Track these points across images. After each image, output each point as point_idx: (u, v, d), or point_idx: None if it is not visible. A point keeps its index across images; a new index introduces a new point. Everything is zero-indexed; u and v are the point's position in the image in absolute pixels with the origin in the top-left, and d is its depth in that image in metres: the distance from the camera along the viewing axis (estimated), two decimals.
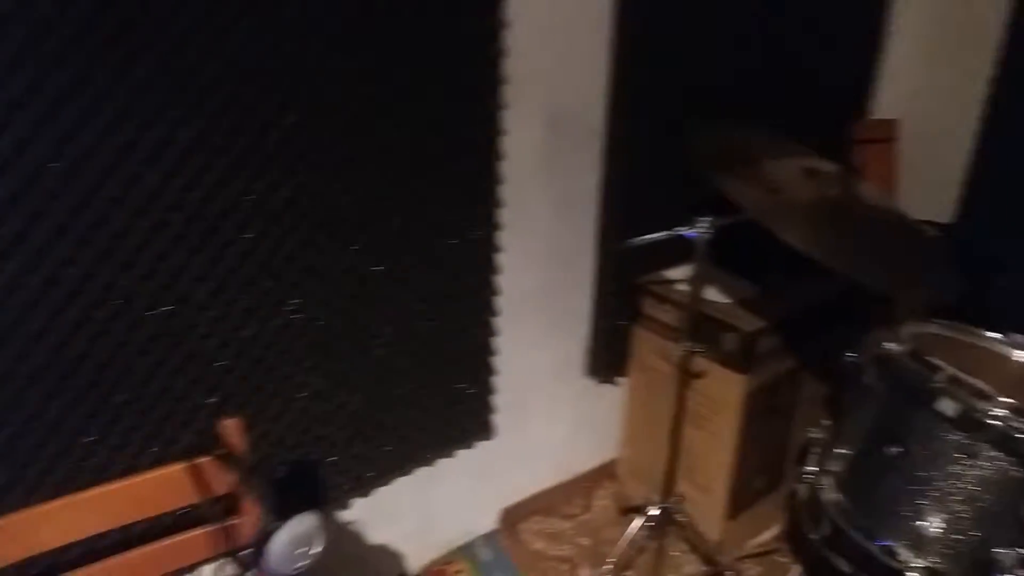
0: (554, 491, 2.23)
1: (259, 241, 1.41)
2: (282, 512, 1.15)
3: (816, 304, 2.01)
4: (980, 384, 1.19)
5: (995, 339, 1.44)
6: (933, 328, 1.41)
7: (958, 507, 1.18)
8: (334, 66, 1.40)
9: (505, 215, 1.79)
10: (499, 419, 1.98)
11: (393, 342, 1.68)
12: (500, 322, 1.88)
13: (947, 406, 1.17)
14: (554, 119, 1.83)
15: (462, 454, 1.96)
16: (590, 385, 2.19)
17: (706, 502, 2.05)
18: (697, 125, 1.63)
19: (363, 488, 1.78)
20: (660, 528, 1.91)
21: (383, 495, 1.82)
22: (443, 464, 1.93)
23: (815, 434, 1.60)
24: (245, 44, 1.29)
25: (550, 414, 2.14)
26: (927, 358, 1.23)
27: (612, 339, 2.12)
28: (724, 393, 1.94)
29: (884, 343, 1.30)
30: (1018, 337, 1.43)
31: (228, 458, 1.26)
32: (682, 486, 2.10)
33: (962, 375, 1.20)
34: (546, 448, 2.17)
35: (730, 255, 1.90)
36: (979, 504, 1.17)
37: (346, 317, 1.58)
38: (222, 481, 1.28)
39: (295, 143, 1.39)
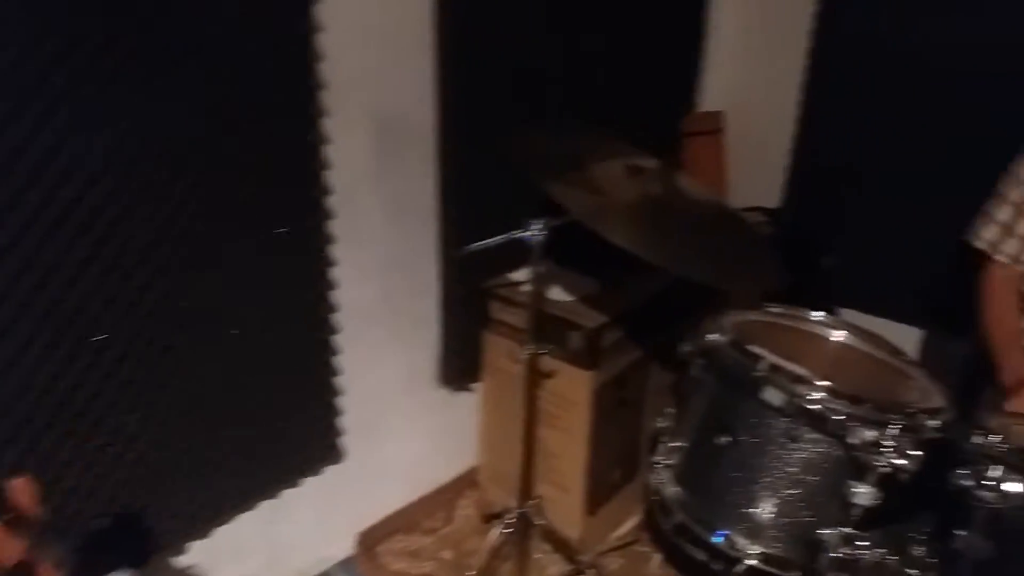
0: (414, 507, 2.16)
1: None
2: (96, 572, 1.04)
3: (658, 294, 2.05)
4: (799, 369, 1.23)
5: (814, 321, 1.49)
6: (754, 315, 1.45)
7: (787, 491, 1.21)
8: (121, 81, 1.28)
9: (336, 227, 1.71)
10: (348, 440, 1.90)
11: (221, 374, 1.56)
12: (341, 340, 1.80)
13: (769, 394, 1.20)
14: (382, 124, 1.76)
15: (310, 481, 1.86)
16: (445, 394, 2.14)
17: (565, 501, 2.05)
18: (522, 128, 1.60)
19: (200, 530, 1.65)
20: (521, 532, 1.90)
21: (224, 534, 1.70)
22: (290, 494, 1.82)
23: (662, 423, 1.62)
24: None
25: (404, 428, 2.07)
26: (748, 348, 1.26)
27: (463, 346, 2.08)
28: (573, 391, 1.94)
29: (708, 334, 1.32)
30: (834, 318, 1.49)
31: (18, 522, 1.11)
32: (541, 487, 2.08)
33: (782, 362, 1.24)
34: (402, 464, 2.10)
35: (572, 252, 1.91)
36: (806, 487, 1.20)
37: (164, 351, 1.46)
38: (12, 549, 1.13)
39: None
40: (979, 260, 1.81)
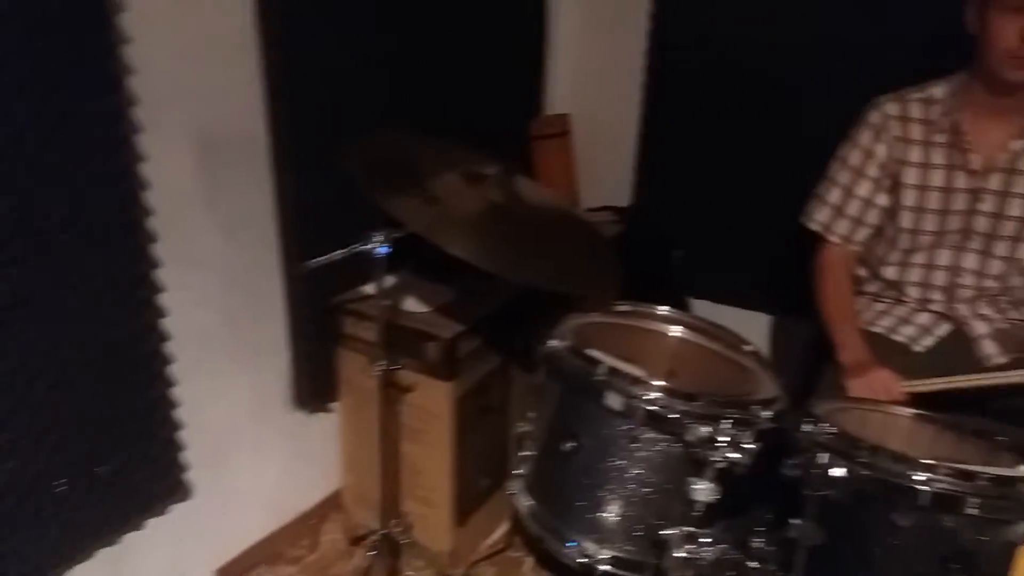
0: (276, 536, 2.06)
1: None
2: None
3: (514, 298, 2.03)
4: (636, 371, 1.23)
5: (655, 318, 1.51)
6: (596, 317, 1.45)
7: (632, 493, 1.22)
8: None
9: (162, 250, 1.59)
10: (195, 475, 1.78)
11: (39, 418, 1.42)
12: (177, 370, 1.68)
13: (609, 398, 1.20)
14: (207, 139, 1.65)
15: (155, 523, 1.73)
16: (301, 417, 2.05)
17: (434, 515, 2.01)
18: (357, 139, 1.54)
19: None
20: (389, 552, 1.85)
21: None
22: (133, 539, 1.69)
23: (523, 428, 1.61)
24: None
25: (258, 456, 1.97)
26: (586, 352, 1.25)
27: (316, 365, 2.00)
28: (434, 403, 1.90)
29: (548, 341, 1.31)
30: (674, 313, 1.52)
31: None
32: (408, 504, 2.04)
33: (620, 364, 1.24)
34: (259, 493, 2.00)
35: (427, 261, 1.87)
36: (650, 487, 1.21)
37: None
38: None
39: None
40: (814, 242, 1.91)
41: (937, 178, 1.75)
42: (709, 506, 1.17)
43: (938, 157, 1.74)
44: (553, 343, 1.31)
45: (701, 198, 2.51)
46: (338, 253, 1.58)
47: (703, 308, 2.57)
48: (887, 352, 1.76)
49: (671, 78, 2.43)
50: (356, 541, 2.07)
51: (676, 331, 1.49)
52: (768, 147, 2.35)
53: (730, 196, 2.46)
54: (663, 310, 1.58)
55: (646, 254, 2.47)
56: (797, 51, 2.24)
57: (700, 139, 2.44)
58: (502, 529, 2.18)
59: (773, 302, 2.53)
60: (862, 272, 1.93)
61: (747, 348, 1.58)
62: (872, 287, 1.91)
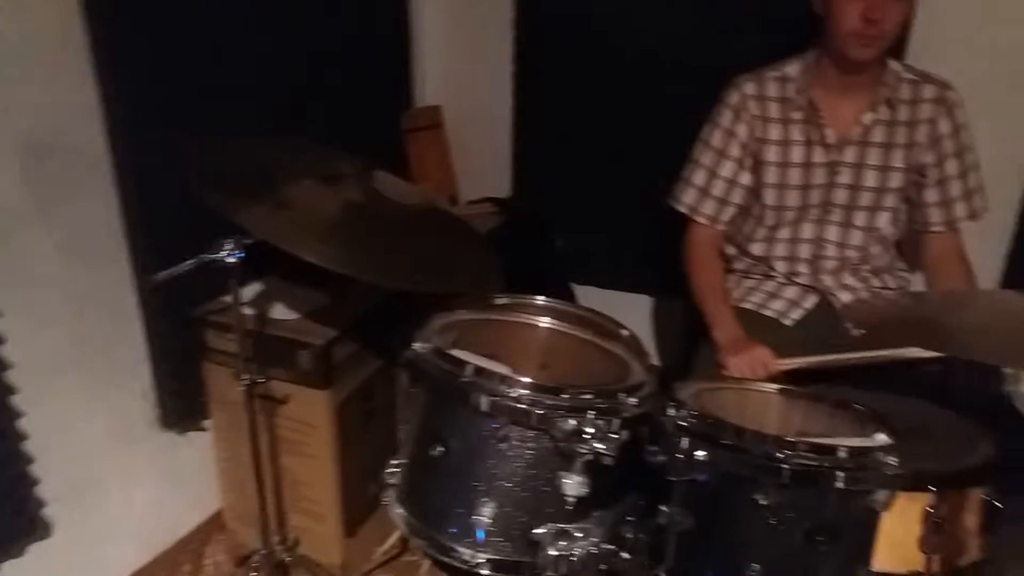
0: (153, 566, 1.94)
1: None
2: None
3: (391, 297, 1.97)
4: (502, 369, 1.20)
5: (524, 308, 1.48)
6: (462, 315, 1.41)
7: (504, 494, 1.19)
8: None
9: None
10: (53, 511, 1.65)
11: None
12: (22, 400, 1.55)
13: (477, 399, 1.16)
14: (35, 150, 1.52)
15: (11, 566, 1.60)
16: (171, 438, 1.93)
17: (321, 528, 1.93)
18: (203, 144, 1.44)
19: None
20: (276, 570, 1.77)
21: None
22: None
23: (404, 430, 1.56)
24: None
25: (124, 484, 1.84)
26: (451, 353, 1.21)
27: (182, 382, 1.88)
28: (311, 413, 1.83)
29: (412, 343, 1.26)
30: (544, 304, 1.49)
31: None
32: (294, 518, 1.97)
33: (486, 363, 1.21)
34: (128, 523, 1.87)
35: (296, 265, 1.78)
36: (522, 486, 1.18)
37: None
38: None
39: None
40: (684, 223, 1.93)
41: (796, 154, 1.79)
42: (581, 499, 1.15)
43: (796, 134, 1.79)
44: (416, 346, 1.26)
45: (579, 185, 2.51)
46: (187, 264, 1.48)
47: (588, 294, 2.58)
48: (758, 327, 1.80)
49: (540, 65, 2.41)
50: (241, 562, 1.97)
51: (546, 322, 1.46)
52: (639, 131, 2.37)
53: (606, 181, 2.47)
54: (533, 301, 1.55)
55: (528, 244, 2.46)
56: (662, 35, 2.26)
57: (574, 126, 2.44)
58: (397, 534, 2.12)
59: (655, 284, 2.56)
60: (731, 250, 1.97)
61: (623, 333, 1.57)
62: (741, 264, 1.95)
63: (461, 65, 2.53)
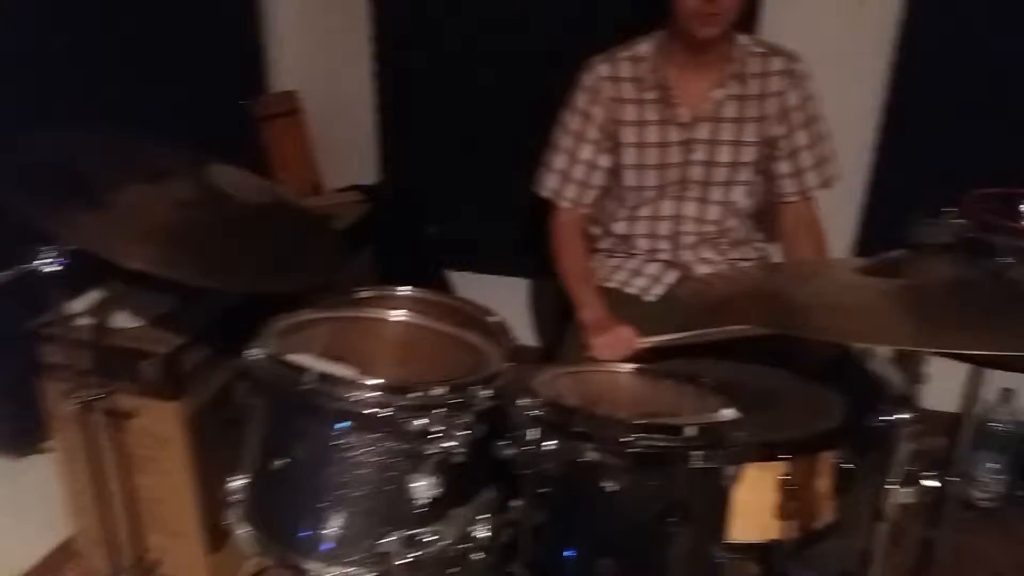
0: None
1: None
2: None
3: (243, 298, 1.86)
4: (346, 371, 1.14)
5: (377, 303, 1.43)
6: (309, 314, 1.34)
7: (353, 503, 1.13)
8: None
9: None
10: None
11: None
12: None
13: (320, 406, 1.10)
14: None
15: None
16: (8, 465, 1.78)
17: (182, 546, 1.82)
18: (6, 144, 1.31)
19: None
20: None
21: None
22: None
23: None
24: None
25: None
26: (288, 359, 1.14)
27: (16, 403, 1.73)
28: (162, 427, 1.71)
29: (247, 351, 1.18)
30: (399, 296, 1.44)
31: None
32: (153, 538, 1.85)
33: (329, 366, 1.14)
34: None
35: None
36: (373, 493, 1.13)
37: None
38: None
39: None
40: (548, 207, 1.91)
41: (652, 134, 1.79)
42: (434, 501, 1.11)
43: (651, 113, 1.79)
44: (252, 353, 1.18)
45: (451, 169, 2.45)
46: (3, 275, 1.34)
47: (464, 279, 2.54)
48: (623, 305, 1.81)
49: (401, 47, 2.34)
50: None
51: (400, 316, 1.40)
52: (506, 114, 2.33)
53: (477, 164, 2.43)
54: (393, 294, 1.50)
55: (399, 232, 2.39)
56: (517, 16, 2.22)
57: (440, 109, 2.38)
58: None
59: (532, 266, 2.54)
60: (595, 230, 1.96)
61: (490, 320, 1.54)
62: (605, 243, 1.95)
63: (318, 47, 2.41)
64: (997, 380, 2.16)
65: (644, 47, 1.79)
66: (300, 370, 1.13)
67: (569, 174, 1.85)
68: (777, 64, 1.77)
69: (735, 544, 1.20)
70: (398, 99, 2.38)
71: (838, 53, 2.07)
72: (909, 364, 1.08)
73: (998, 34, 2.01)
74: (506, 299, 2.52)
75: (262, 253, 1.42)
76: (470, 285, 2.48)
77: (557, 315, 2.36)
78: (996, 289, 1.10)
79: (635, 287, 1.87)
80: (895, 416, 1.07)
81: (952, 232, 1.06)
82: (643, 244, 1.88)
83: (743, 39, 1.77)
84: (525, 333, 2.55)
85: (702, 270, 1.86)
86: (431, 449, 1.09)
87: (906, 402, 1.09)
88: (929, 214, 1.08)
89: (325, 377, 1.12)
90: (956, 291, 1.07)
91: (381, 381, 1.12)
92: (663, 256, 1.87)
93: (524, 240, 2.47)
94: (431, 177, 2.45)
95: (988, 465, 2.18)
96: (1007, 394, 2.18)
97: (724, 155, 1.80)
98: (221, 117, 2.16)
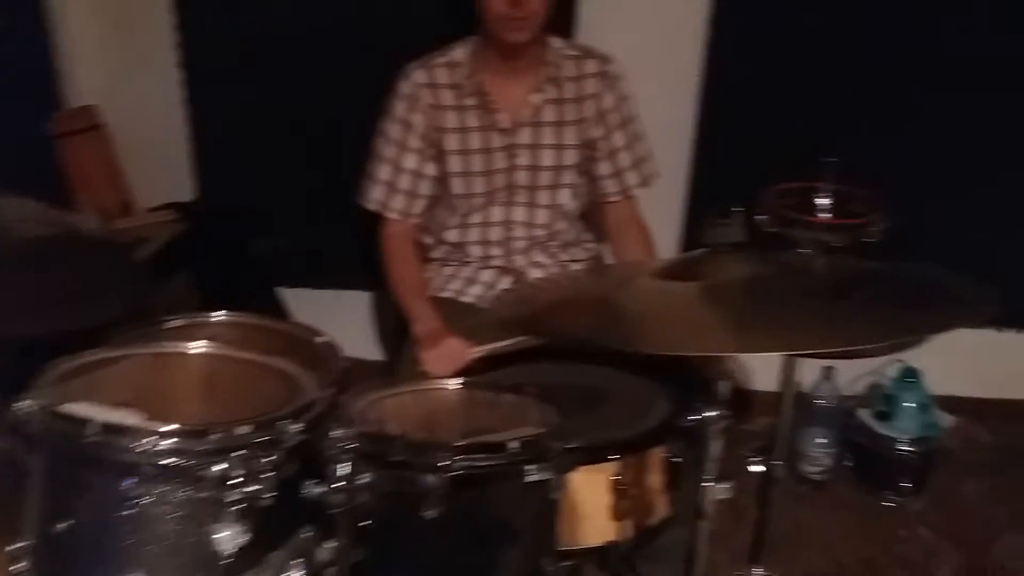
0: None
1: None
2: None
3: (37, 337, 1.68)
4: (132, 418, 1.03)
5: (173, 336, 1.31)
6: (95, 355, 1.20)
7: (153, 561, 1.02)
8: None
9: None
10: None
11: None
12: None
13: (103, 460, 0.99)
14: None
15: None
16: None
17: None
18: None
19: None
20: None
21: None
22: None
23: None
24: None
25: None
26: (63, 411, 1.02)
27: None
28: None
29: (15, 405, 1.05)
30: (207, 322, 1.34)
31: None
32: None
33: (112, 416, 1.03)
34: None
35: None
36: (173, 548, 1.03)
37: None
38: None
39: None
40: (378, 219, 1.85)
41: (475, 140, 1.77)
42: (243, 549, 1.03)
43: (472, 120, 1.76)
44: (20, 406, 1.05)
45: (273, 181, 2.33)
46: None
47: (300, 296, 2.42)
48: (459, 315, 1.77)
49: (209, 54, 2.19)
50: None
51: (200, 348, 1.29)
52: (324, 121, 2.24)
53: (302, 175, 2.33)
54: (198, 322, 1.39)
55: (220, 251, 2.24)
56: (331, 20, 2.14)
57: (256, 118, 2.25)
58: None
59: (369, 279, 2.46)
60: (428, 239, 1.92)
61: (318, 340, 1.45)
62: (439, 252, 1.92)
63: (117, 58, 2.23)
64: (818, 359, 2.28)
65: (459, 52, 1.76)
66: (80, 422, 1.01)
67: (395, 185, 1.80)
68: (591, 67, 1.79)
69: (572, 551, 1.19)
70: (210, 108, 2.23)
71: (657, 52, 2.12)
72: (715, 362, 1.10)
73: (806, 26, 2.10)
74: (346, 315, 2.46)
75: (43, 289, 1.27)
76: (307, 303, 2.37)
77: (398, 328, 2.30)
78: (791, 284, 1.14)
79: (470, 295, 1.85)
80: (704, 414, 1.08)
81: (744, 231, 1.08)
82: (476, 251, 1.86)
83: (556, 42, 1.78)
84: (368, 348, 2.47)
85: (535, 274, 1.85)
86: (233, 496, 1.00)
87: (715, 399, 1.11)
88: (720, 214, 1.10)
89: (108, 428, 1.01)
90: (752, 289, 1.09)
91: (174, 427, 1.02)
92: (496, 262, 1.86)
93: (362, 252, 2.38)
94: (254, 191, 2.32)
95: (817, 441, 2.30)
96: (828, 372, 2.31)
97: (547, 159, 1.80)
98: (8, 140, 1.94)
